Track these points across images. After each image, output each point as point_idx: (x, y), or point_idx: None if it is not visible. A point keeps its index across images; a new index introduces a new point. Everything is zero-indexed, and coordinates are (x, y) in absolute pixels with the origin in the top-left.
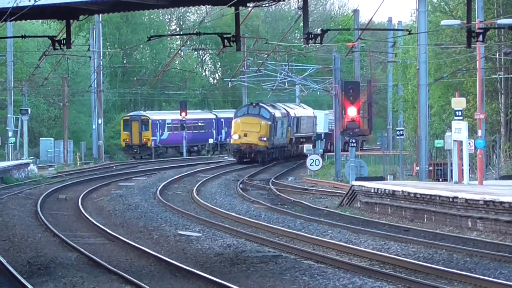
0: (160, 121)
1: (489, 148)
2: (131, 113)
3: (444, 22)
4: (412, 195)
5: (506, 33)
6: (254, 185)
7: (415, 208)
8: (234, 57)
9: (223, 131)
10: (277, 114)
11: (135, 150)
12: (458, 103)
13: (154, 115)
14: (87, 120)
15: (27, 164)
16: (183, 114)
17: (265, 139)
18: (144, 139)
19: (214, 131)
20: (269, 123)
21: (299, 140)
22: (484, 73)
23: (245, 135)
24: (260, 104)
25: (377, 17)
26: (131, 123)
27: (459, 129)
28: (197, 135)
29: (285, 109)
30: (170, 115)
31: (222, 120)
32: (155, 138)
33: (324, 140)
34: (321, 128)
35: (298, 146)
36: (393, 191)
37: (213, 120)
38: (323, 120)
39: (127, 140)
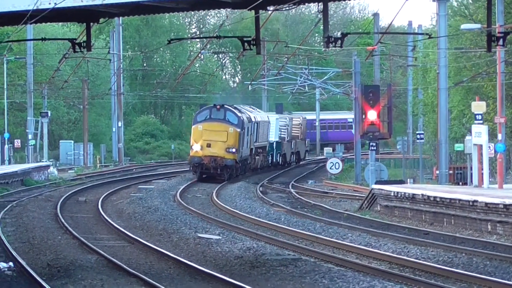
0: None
1: (509, 152)
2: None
3: (464, 26)
4: (431, 198)
5: None
6: (274, 188)
7: (434, 212)
8: (254, 60)
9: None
10: (245, 119)
11: None
12: (478, 107)
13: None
14: (107, 122)
15: (47, 167)
16: None
17: (233, 150)
18: None
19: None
20: (238, 130)
21: (256, 151)
22: (504, 77)
23: (208, 145)
24: (226, 106)
25: (397, 21)
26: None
27: (479, 133)
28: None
29: (247, 112)
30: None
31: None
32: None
33: (275, 150)
34: (272, 136)
35: (255, 158)
36: (413, 194)
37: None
38: (274, 126)
39: None
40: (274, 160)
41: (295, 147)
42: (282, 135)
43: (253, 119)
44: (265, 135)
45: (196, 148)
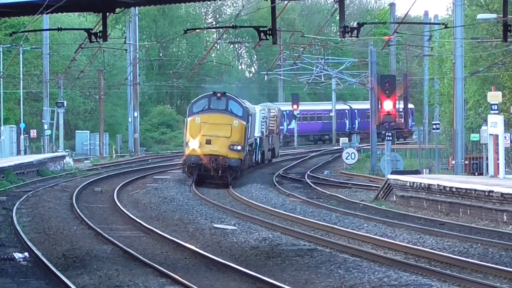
0: (288, 111)
1: None
2: (262, 104)
3: (480, 16)
4: (447, 189)
5: None
6: (290, 178)
7: (450, 202)
8: (270, 50)
9: (356, 121)
10: (249, 109)
11: None
12: (494, 97)
13: (283, 106)
14: (123, 113)
15: (63, 157)
16: (295, 106)
17: (239, 147)
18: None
19: (347, 121)
20: (244, 123)
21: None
22: None
23: (208, 142)
24: (228, 94)
25: (413, 10)
26: None
27: (495, 123)
28: (329, 124)
29: (242, 102)
30: (299, 107)
31: (356, 111)
32: (282, 127)
33: (258, 147)
34: (256, 131)
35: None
36: (429, 184)
37: (347, 111)
38: (258, 119)
39: None
40: (256, 159)
41: (271, 143)
42: (262, 129)
43: (251, 110)
44: (253, 129)
45: (193, 145)
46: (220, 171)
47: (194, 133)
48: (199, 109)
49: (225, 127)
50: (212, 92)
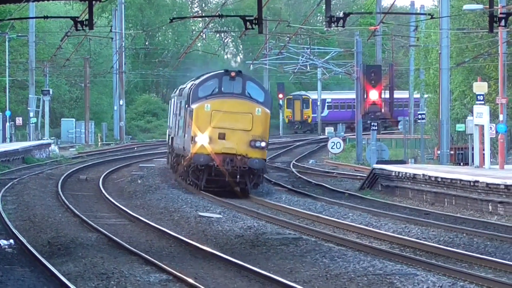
0: (320, 100)
1: (511, 133)
2: (294, 93)
3: (466, 6)
4: (433, 178)
5: None
6: (275, 167)
7: (435, 192)
8: (256, 39)
9: None
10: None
11: (296, 126)
12: (480, 87)
13: (314, 95)
14: (108, 101)
15: (48, 145)
16: (280, 95)
17: (263, 144)
18: (305, 116)
19: None
20: (268, 111)
21: None
22: (506, 58)
23: (222, 136)
24: (244, 73)
25: (399, 1)
26: (294, 102)
27: (480, 114)
28: None
29: None
30: (331, 95)
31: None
32: (315, 115)
33: None
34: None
35: None
36: (414, 174)
37: None
38: None
39: (290, 116)
40: None
41: None
42: None
43: None
44: None
45: (201, 140)
46: (238, 176)
47: (203, 124)
48: (207, 93)
49: (244, 117)
50: (223, 71)
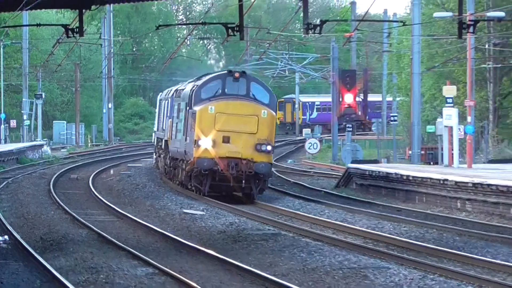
0: (310, 103)
1: (478, 134)
2: (286, 96)
3: (436, 14)
4: (404, 177)
5: (495, 25)
6: None
7: (407, 190)
8: (237, 46)
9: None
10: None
11: (287, 127)
12: (449, 91)
13: (304, 98)
14: (98, 104)
15: (41, 146)
16: None
17: (268, 147)
18: (295, 118)
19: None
20: (274, 113)
21: None
22: (474, 62)
23: (226, 140)
24: (248, 74)
25: (373, 9)
26: (285, 104)
27: (449, 116)
28: None
29: None
30: (319, 98)
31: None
32: (305, 117)
33: None
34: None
35: None
36: (387, 173)
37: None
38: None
39: (281, 118)
40: None
41: None
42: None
43: None
44: None
45: (205, 144)
46: (243, 181)
47: (207, 127)
48: (210, 95)
49: (250, 120)
50: (226, 71)
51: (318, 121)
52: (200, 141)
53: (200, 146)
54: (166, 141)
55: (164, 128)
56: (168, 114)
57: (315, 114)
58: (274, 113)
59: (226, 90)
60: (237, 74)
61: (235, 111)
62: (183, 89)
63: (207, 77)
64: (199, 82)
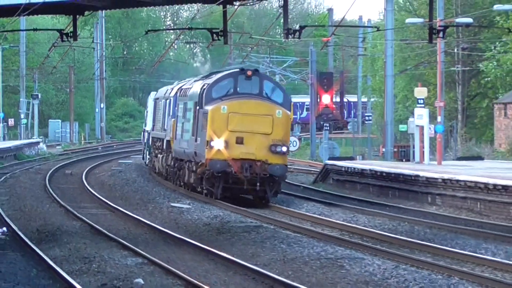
0: (300, 103)
1: (448, 133)
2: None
3: (408, 20)
4: (378, 173)
5: (463, 31)
6: None
7: (381, 185)
8: (222, 49)
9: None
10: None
11: None
12: (420, 92)
13: (296, 99)
14: (90, 104)
15: (37, 143)
16: None
17: (283, 149)
18: None
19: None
20: (289, 113)
21: None
22: (444, 65)
23: (240, 141)
24: (261, 73)
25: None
26: None
27: (421, 116)
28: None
29: None
30: (308, 99)
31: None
32: (295, 116)
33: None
34: (149, 124)
35: None
36: (362, 169)
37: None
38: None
39: None
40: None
41: None
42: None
43: None
44: None
45: (217, 145)
46: (257, 183)
47: (219, 128)
48: (221, 94)
49: (264, 120)
50: (238, 69)
51: (307, 120)
52: (213, 142)
53: (213, 147)
54: (168, 141)
55: (165, 127)
56: (171, 114)
57: (305, 113)
58: (289, 113)
59: (238, 88)
60: (249, 72)
61: (249, 111)
62: (189, 88)
63: (218, 75)
64: (210, 81)
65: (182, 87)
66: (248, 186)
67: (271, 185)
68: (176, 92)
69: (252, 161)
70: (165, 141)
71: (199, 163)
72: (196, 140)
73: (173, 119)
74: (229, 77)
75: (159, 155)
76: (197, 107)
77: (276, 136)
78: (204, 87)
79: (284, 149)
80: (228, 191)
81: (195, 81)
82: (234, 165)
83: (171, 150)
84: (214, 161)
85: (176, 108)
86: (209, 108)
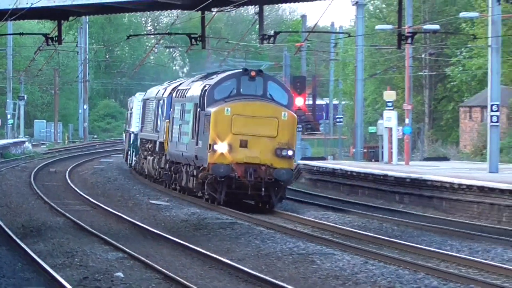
0: None
1: (415, 134)
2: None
3: (378, 27)
4: (349, 173)
5: (431, 37)
6: None
7: (351, 184)
8: (200, 54)
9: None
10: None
11: None
12: (389, 95)
13: None
14: (74, 105)
15: (23, 142)
16: None
17: (289, 152)
18: None
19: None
20: (295, 115)
21: None
22: (412, 70)
23: (244, 144)
24: (265, 73)
25: (321, 21)
26: None
27: (389, 118)
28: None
29: None
30: None
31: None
32: None
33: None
34: (135, 125)
35: None
36: (333, 169)
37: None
38: (136, 110)
39: None
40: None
41: None
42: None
43: None
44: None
45: (220, 149)
46: (262, 189)
47: (222, 131)
48: (224, 95)
49: (269, 122)
50: (241, 70)
51: None
52: (216, 145)
53: (216, 150)
54: (161, 143)
55: (157, 129)
56: (164, 115)
57: None
58: (295, 115)
59: (241, 90)
60: (253, 73)
61: (253, 113)
62: (187, 89)
63: (219, 76)
64: (211, 82)
65: (178, 88)
66: (252, 191)
67: (276, 190)
68: (171, 93)
69: (257, 165)
70: (157, 143)
71: (200, 167)
72: (197, 143)
73: (167, 121)
74: (232, 77)
75: (148, 157)
76: (198, 109)
77: (281, 139)
78: (206, 88)
79: (290, 152)
80: (230, 196)
81: (193, 81)
82: (237, 170)
83: (164, 153)
84: (217, 165)
85: (171, 110)
86: (211, 110)
